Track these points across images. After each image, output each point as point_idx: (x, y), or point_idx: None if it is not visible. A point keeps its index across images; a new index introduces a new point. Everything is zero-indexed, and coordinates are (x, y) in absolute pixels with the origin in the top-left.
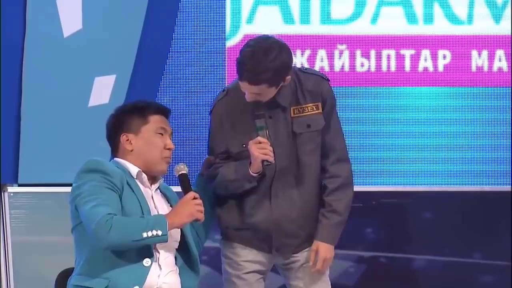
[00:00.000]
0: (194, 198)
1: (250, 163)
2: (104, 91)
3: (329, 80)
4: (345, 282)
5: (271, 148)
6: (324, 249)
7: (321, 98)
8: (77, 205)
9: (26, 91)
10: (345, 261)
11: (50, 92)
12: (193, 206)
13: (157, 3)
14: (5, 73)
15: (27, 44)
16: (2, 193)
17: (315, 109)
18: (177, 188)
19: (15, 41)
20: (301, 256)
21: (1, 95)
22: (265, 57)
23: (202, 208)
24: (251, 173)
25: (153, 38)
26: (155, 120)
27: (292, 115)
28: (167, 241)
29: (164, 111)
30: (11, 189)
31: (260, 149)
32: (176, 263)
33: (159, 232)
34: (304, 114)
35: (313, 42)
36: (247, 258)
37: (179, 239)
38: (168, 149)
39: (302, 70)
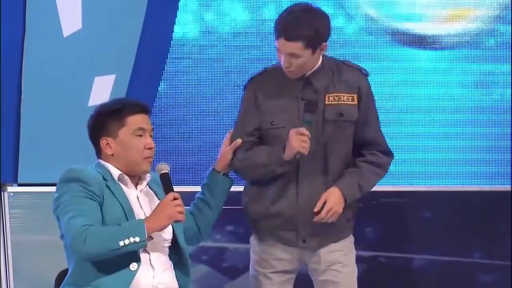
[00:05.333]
0: (175, 199)
1: (284, 148)
2: (104, 90)
3: (368, 75)
4: None
5: (309, 143)
6: (334, 199)
7: (358, 90)
8: (58, 216)
9: (26, 91)
10: None
11: (50, 92)
12: (173, 208)
13: (157, 3)
14: (5, 73)
15: (27, 44)
16: (2, 193)
17: (350, 100)
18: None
19: (15, 41)
20: (324, 257)
21: (1, 95)
22: (305, 14)
23: (182, 209)
24: (284, 158)
25: (153, 38)
26: (132, 122)
27: (326, 102)
28: (145, 247)
29: (142, 110)
30: (11, 189)
31: (300, 141)
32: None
33: (137, 239)
34: (339, 102)
35: None
36: (275, 256)
37: (170, 238)
38: (149, 148)
39: (342, 61)
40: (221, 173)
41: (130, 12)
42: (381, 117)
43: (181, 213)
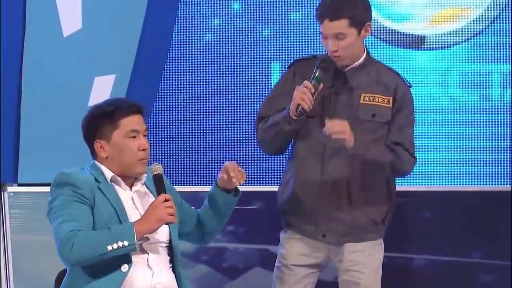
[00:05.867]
0: (166, 201)
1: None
2: (104, 90)
3: (410, 86)
4: None
5: (311, 97)
6: (342, 123)
7: (395, 94)
8: (50, 220)
9: (26, 91)
10: None
11: (50, 92)
12: (163, 210)
13: (157, 3)
14: (5, 73)
15: (27, 44)
16: (2, 193)
17: (386, 102)
18: (178, 188)
19: (15, 41)
20: (347, 257)
21: (1, 95)
22: None
23: (173, 211)
24: (290, 114)
25: (152, 38)
26: (125, 124)
27: (361, 101)
28: (136, 250)
29: (135, 111)
30: (11, 188)
31: (301, 93)
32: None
33: (125, 243)
34: (373, 103)
35: None
36: (299, 250)
37: (168, 239)
38: (143, 150)
39: (389, 67)
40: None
41: (130, 12)
42: None
43: (172, 215)
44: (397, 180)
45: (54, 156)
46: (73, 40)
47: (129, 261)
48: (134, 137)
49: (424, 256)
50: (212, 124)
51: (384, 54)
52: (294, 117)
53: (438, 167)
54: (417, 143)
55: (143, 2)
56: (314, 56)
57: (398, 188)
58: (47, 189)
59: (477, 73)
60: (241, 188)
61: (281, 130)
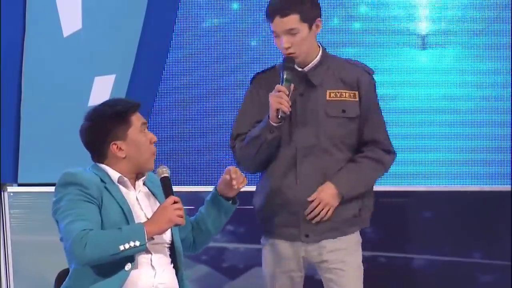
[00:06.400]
0: (175, 203)
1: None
2: (104, 90)
3: (372, 74)
4: None
5: (287, 99)
6: (326, 192)
7: (358, 88)
8: (57, 220)
9: (26, 91)
10: None
11: (50, 92)
12: (172, 212)
13: (157, 3)
14: (5, 73)
15: (27, 44)
16: (2, 193)
17: (352, 96)
18: (178, 188)
19: (15, 41)
20: (328, 256)
21: (1, 95)
22: None
23: (182, 213)
24: (270, 122)
25: (152, 38)
26: (135, 120)
27: (327, 98)
28: (146, 249)
29: (138, 106)
30: (11, 188)
31: (277, 98)
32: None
33: (137, 243)
34: (341, 99)
35: None
36: (281, 255)
37: (170, 240)
38: (153, 142)
39: (346, 59)
40: (222, 195)
41: (130, 12)
42: None
43: (181, 216)
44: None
45: (54, 156)
46: (73, 40)
47: (132, 260)
48: (144, 130)
49: (424, 256)
50: (212, 124)
51: (385, 54)
52: (275, 124)
53: (438, 167)
54: (418, 143)
55: (143, 2)
56: (273, 67)
57: (398, 188)
58: (47, 189)
59: (477, 73)
60: (242, 188)
61: (265, 141)
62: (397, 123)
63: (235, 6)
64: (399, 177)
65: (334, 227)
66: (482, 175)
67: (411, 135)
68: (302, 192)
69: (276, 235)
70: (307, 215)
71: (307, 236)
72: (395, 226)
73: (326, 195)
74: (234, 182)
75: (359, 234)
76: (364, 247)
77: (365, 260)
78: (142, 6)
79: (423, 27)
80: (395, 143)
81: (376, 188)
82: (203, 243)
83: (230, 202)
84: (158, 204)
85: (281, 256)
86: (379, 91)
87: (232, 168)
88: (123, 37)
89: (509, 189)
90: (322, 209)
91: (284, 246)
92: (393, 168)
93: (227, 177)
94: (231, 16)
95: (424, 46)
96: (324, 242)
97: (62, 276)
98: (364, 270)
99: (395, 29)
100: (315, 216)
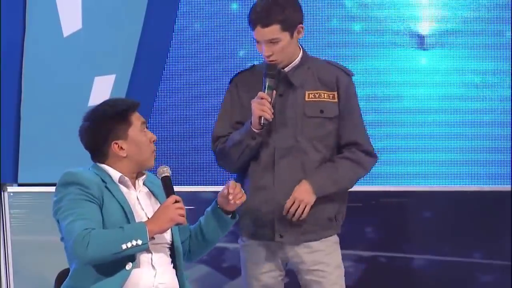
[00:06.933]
0: (176, 202)
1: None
2: (104, 90)
3: (351, 75)
4: (345, 281)
5: (270, 106)
6: (300, 190)
7: (337, 89)
8: (58, 220)
9: (26, 91)
10: (345, 261)
11: (50, 92)
12: (174, 211)
13: (157, 3)
14: (5, 73)
15: (27, 43)
16: (2, 193)
17: (331, 97)
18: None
19: (15, 41)
20: (306, 258)
21: (1, 95)
22: (275, 0)
23: (184, 212)
24: (252, 128)
25: (152, 38)
26: (135, 119)
27: (306, 99)
28: (147, 248)
29: (137, 105)
30: (11, 188)
31: (259, 105)
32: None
33: (139, 242)
34: (319, 99)
35: None
36: (259, 256)
37: (170, 240)
38: (153, 141)
39: (326, 60)
40: (222, 209)
41: (130, 12)
42: (381, 117)
43: (183, 216)
44: (397, 180)
45: (54, 156)
46: (73, 40)
47: (133, 259)
48: (143, 129)
49: (424, 256)
50: (212, 124)
51: (384, 54)
52: (257, 131)
53: (438, 167)
54: (418, 143)
55: (143, 2)
56: (253, 66)
57: (398, 188)
58: (47, 189)
59: (477, 73)
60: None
61: (247, 147)
62: (397, 123)
63: (234, 6)
64: (399, 177)
65: (309, 230)
66: (482, 175)
67: (411, 135)
68: (279, 193)
69: (252, 236)
70: (284, 215)
71: (281, 236)
72: (395, 226)
73: (301, 192)
74: (230, 197)
75: (337, 236)
76: (364, 247)
77: (365, 260)
78: (142, 6)
79: (423, 27)
80: (395, 143)
81: (376, 188)
82: (197, 254)
83: (230, 216)
84: (158, 204)
85: (258, 257)
86: (379, 91)
87: (232, 183)
88: (123, 37)
89: (509, 189)
90: (299, 207)
91: (260, 248)
92: (393, 168)
93: (226, 191)
94: (231, 16)
95: (424, 46)
96: (301, 245)
97: (62, 276)
98: (364, 270)
99: (395, 29)
100: (293, 216)
